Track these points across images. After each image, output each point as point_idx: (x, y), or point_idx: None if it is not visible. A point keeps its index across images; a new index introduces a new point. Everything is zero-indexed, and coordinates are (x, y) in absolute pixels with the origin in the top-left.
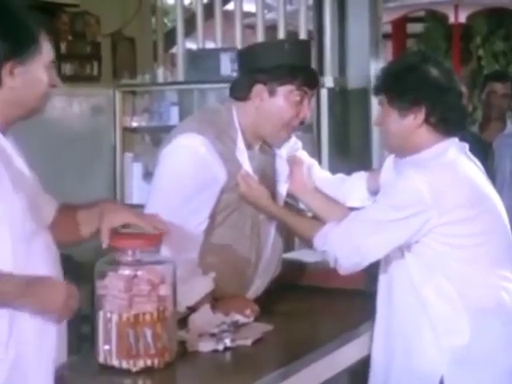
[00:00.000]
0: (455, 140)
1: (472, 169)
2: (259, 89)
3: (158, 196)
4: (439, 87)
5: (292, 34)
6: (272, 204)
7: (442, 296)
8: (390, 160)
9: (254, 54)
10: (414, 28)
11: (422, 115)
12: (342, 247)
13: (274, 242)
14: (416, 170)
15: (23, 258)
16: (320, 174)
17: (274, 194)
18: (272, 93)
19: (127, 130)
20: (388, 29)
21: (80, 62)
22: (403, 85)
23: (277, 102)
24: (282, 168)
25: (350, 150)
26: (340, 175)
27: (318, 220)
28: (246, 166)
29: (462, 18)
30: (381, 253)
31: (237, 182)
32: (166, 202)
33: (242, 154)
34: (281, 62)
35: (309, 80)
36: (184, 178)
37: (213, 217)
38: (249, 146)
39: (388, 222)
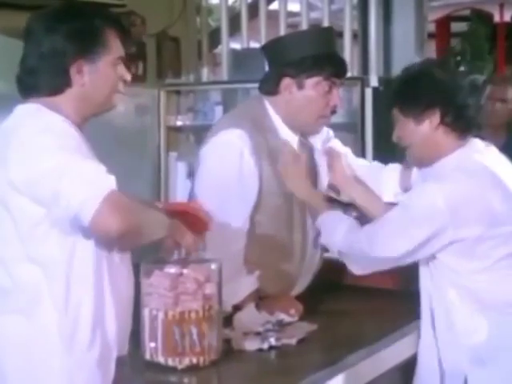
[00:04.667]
0: (476, 141)
1: (500, 175)
2: (287, 82)
3: (202, 195)
4: (448, 87)
5: (314, 26)
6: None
7: (463, 300)
8: None
9: (279, 47)
10: (458, 27)
11: (437, 117)
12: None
13: (315, 239)
14: (435, 182)
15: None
16: (355, 162)
17: (315, 187)
18: (300, 86)
19: (172, 130)
20: (432, 28)
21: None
22: (413, 91)
23: (306, 94)
24: (321, 160)
25: (395, 149)
26: (375, 163)
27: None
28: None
29: (507, 16)
30: (387, 254)
31: (279, 171)
32: (210, 201)
33: (290, 139)
34: (305, 53)
35: (336, 69)
36: (226, 174)
37: (256, 217)
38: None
39: (403, 228)
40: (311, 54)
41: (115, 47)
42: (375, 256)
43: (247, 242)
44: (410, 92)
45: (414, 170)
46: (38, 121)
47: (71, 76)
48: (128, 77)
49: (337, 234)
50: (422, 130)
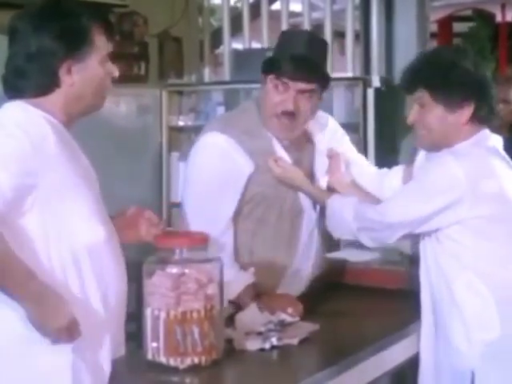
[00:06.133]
0: (487, 131)
1: (503, 166)
2: (261, 78)
3: (191, 195)
4: (484, 82)
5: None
6: (308, 183)
7: (472, 291)
8: (422, 156)
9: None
10: (460, 27)
11: (470, 110)
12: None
13: (309, 239)
14: (453, 156)
15: (86, 252)
16: (363, 169)
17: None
18: (263, 81)
19: (174, 130)
20: (434, 28)
21: (127, 62)
22: (450, 81)
23: (265, 89)
24: (321, 161)
25: (397, 150)
26: (379, 170)
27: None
28: (284, 157)
29: (509, 16)
30: (400, 218)
31: (269, 167)
32: (199, 201)
33: (276, 146)
34: (275, 54)
35: (292, 71)
36: (210, 173)
37: (239, 209)
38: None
39: (419, 196)
40: (282, 54)
41: (102, 44)
42: (387, 222)
43: (238, 233)
44: (445, 80)
45: (414, 170)
46: (4, 116)
47: (60, 76)
48: (116, 73)
49: (346, 212)
50: (450, 118)
